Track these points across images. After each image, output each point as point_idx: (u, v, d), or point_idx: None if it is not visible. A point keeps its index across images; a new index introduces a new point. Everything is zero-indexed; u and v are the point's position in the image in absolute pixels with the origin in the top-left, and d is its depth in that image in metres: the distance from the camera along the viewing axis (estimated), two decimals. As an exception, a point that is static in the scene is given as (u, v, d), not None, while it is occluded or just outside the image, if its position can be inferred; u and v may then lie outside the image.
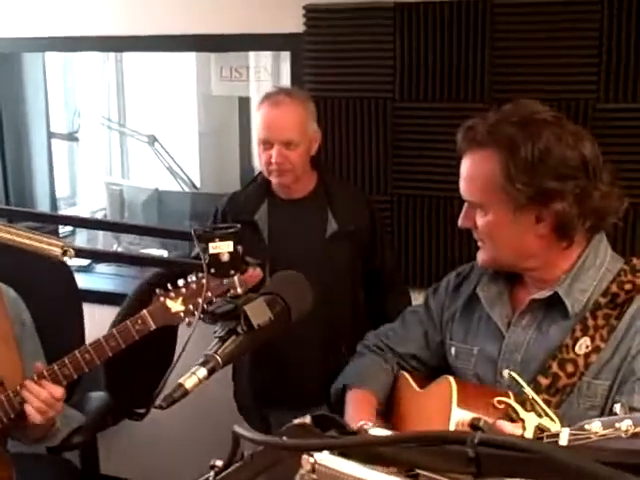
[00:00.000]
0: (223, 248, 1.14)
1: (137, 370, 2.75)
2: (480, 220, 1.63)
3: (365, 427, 0.67)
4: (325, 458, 0.57)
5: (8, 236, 1.07)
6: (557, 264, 1.63)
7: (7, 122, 3.57)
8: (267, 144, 2.43)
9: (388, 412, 1.84)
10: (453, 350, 1.79)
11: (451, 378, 1.62)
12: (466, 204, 1.66)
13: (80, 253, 1.07)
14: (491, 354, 1.69)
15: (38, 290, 2.45)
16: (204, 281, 1.90)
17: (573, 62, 2.59)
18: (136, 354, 2.50)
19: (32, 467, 2.37)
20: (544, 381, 1.56)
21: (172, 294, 1.97)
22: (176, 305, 1.97)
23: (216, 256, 1.14)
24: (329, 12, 2.82)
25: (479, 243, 1.69)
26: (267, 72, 3.66)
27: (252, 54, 3.76)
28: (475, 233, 1.67)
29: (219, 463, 0.70)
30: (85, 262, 3.71)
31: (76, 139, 4.29)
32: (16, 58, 3.60)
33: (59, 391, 2.02)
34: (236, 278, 1.16)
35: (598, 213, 1.57)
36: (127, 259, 1.24)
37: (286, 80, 3.53)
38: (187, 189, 4.16)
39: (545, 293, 1.63)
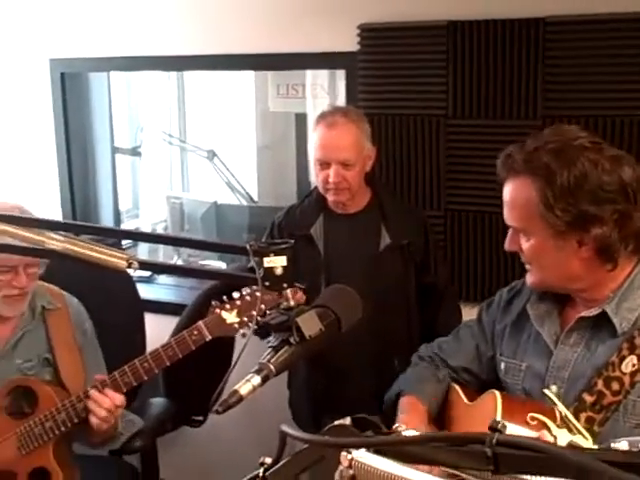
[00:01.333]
0: (277, 262, 1.20)
1: (195, 378, 2.83)
2: (524, 244, 1.66)
3: (399, 429, 0.72)
4: (362, 455, 0.63)
5: (76, 249, 1.15)
6: (605, 284, 1.64)
7: (74, 138, 3.70)
8: (324, 164, 2.49)
9: (440, 422, 1.87)
10: (503, 365, 1.82)
11: (497, 392, 1.66)
12: (510, 229, 1.70)
13: (143, 265, 1.14)
14: (539, 370, 1.72)
15: (102, 299, 2.56)
16: (258, 294, 1.98)
17: (626, 79, 2.60)
18: (194, 362, 2.58)
19: (95, 469, 2.45)
20: (589, 398, 1.58)
21: (227, 306, 2.04)
22: (231, 317, 2.04)
23: (270, 270, 1.20)
24: (383, 31, 2.88)
25: (526, 266, 1.72)
26: (323, 89, 3.74)
27: (309, 72, 3.85)
28: (521, 256, 1.71)
29: (268, 460, 0.76)
30: (147, 273, 3.83)
31: (139, 154, 4.42)
32: (83, 77, 3.74)
33: (120, 399, 2.12)
34: (289, 291, 1.22)
35: None
36: (186, 272, 1.32)
37: (342, 97, 3.61)
38: (245, 202, 4.25)
39: (593, 311, 1.64)
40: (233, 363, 1.17)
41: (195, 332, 2.07)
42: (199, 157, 4.37)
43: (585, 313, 1.66)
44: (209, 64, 3.40)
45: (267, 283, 1.21)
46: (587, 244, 1.58)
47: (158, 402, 2.67)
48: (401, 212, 2.67)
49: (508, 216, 1.68)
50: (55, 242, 1.15)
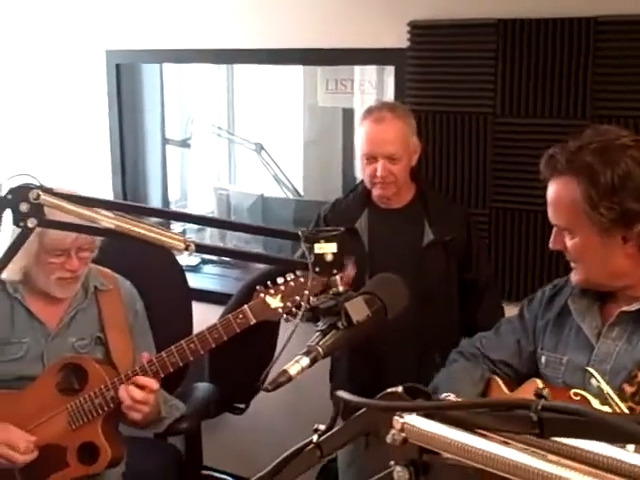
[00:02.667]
0: (327, 249, 1.24)
1: (239, 366, 2.89)
2: (569, 243, 1.69)
3: (448, 398, 0.76)
4: (413, 419, 0.67)
5: (137, 229, 1.20)
6: None
7: (126, 129, 3.79)
8: (371, 158, 2.54)
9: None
10: (543, 359, 1.85)
11: (538, 380, 1.68)
12: (555, 228, 1.72)
13: (200, 248, 1.19)
14: (580, 364, 1.74)
15: (151, 286, 2.63)
16: (302, 279, 2.03)
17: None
18: (238, 350, 2.64)
19: (140, 450, 2.51)
20: (629, 389, 1.61)
21: (272, 291, 2.08)
22: (275, 301, 2.08)
23: (321, 256, 1.25)
24: (433, 28, 2.90)
25: (571, 264, 1.75)
26: (371, 85, 3.77)
27: (357, 68, 3.89)
28: (566, 255, 1.73)
29: (321, 427, 0.81)
30: (194, 262, 3.91)
31: (188, 145, 4.50)
32: (136, 69, 3.83)
33: (154, 384, 2.17)
34: (338, 277, 1.27)
35: None
36: (239, 255, 1.37)
37: (389, 93, 3.64)
38: (291, 196, 4.30)
39: (635, 306, 1.67)
40: (283, 345, 1.21)
41: (240, 316, 2.12)
42: (247, 150, 4.43)
43: (626, 308, 1.68)
44: (260, 58, 3.45)
45: (317, 269, 1.25)
46: (632, 240, 1.61)
47: (203, 386, 2.74)
48: (445, 208, 2.70)
49: (552, 215, 1.70)
50: (114, 222, 1.20)
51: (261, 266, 3.98)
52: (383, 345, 2.45)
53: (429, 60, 2.93)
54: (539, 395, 0.60)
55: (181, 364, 2.20)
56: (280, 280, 2.07)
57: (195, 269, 3.86)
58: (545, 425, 0.59)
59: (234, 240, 4.06)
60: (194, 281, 3.57)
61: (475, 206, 2.94)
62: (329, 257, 1.26)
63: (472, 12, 2.82)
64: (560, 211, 1.68)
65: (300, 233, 1.25)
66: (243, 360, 2.90)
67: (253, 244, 3.97)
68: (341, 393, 0.77)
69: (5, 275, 2.20)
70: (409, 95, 2.95)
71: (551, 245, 1.75)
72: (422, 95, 2.95)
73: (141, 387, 2.16)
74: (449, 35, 2.88)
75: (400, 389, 0.70)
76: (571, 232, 1.67)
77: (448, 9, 2.86)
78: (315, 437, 0.81)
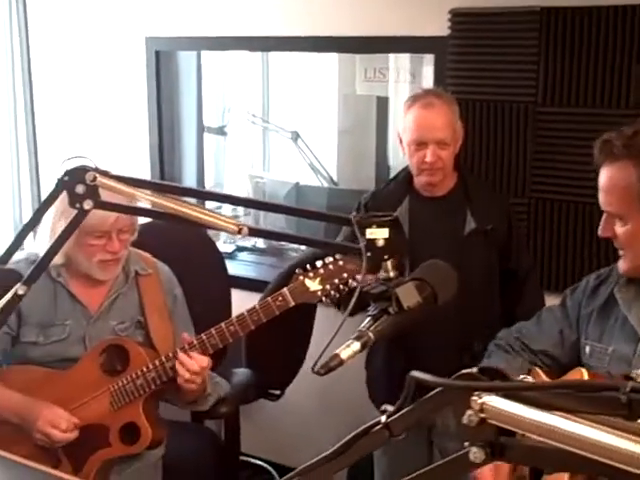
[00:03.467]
0: (379, 234, 1.25)
1: (276, 352, 2.91)
2: (619, 230, 1.67)
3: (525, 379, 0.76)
4: (493, 399, 0.67)
5: (192, 212, 1.21)
6: None
7: (165, 116, 3.80)
8: (421, 144, 2.52)
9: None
10: (587, 349, 1.83)
11: (583, 370, 1.68)
12: (605, 214, 1.71)
13: (253, 232, 1.20)
14: (626, 354, 1.73)
15: (192, 273, 2.65)
16: (341, 263, 2.04)
17: None
18: (275, 336, 2.66)
19: (177, 433, 2.55)
20: None
21: (311, 274, 2.09)
22: (314, 284, 2.09)
23: (372, 241, 1.25)
24: (475, 16, 2.88)
25: (620, 252, 1.73)
26: (409, 74, 3.76)
27: (392, 56, 3.88)
28: (615, 242, 1.72)
29: (389, 408, 0.81)
30: (229, 249, 3.93)
31: (224, 133, 4.52)
32: (175, 56, 3.84)
33: (205, 360, 2.21)
34: (389, 263, 1.27)
35: None
36: (291, 239, 1.38)
37: (426, 82, 3.63)
38: (326, 184, 4.30)
39: None
40: (336, 330, 1.21)
41: (279, 298, 2.13)
42: (282, 138, 4.44)
43: None
44: (298, 46, 3.45)
45: (369, 254, 1.25)
46: None
47: (241, 372, 2.76)
48: (486, 197, 2.69)
49: (604, 201, 1.69)
50: (169, 204, 1.21)
51: (295, 254, 4.03)
52: (421, 333, 2.44)
53: (470, 48, 2.91)
54: (628, 377, 0.61)
55: (221, 346, 2.23)
56: (319, 263, 2.08)
57: (230, 256, 3.88)
58: (634, 407, 0.59)
59: (268, 226, 4.08)
60: (229, 268, 3.59)
61: (514, 195, 2.92)
62: (380, 242, 1.27)
63: (515, 0, 2.79)
64: (613, 196, 1.66)
65: (352, 218, 1.25)
66: (279, 347, 2.92)
67: (287, 230, 3.99)
68: (415, 373, 0.77)
69: None
70: (449, 84, 2.93)
71: (600, 232, 1.74)
72: (463, 84, 2.93)
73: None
74: (491, 23, 2.86)
75: (475, 370, 0.71)
76: (623, 218, 1.66)
77: (490, -3, 2.84)
78: (383, 418, 0.81)
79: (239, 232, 1.23)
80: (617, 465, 0.59)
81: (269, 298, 2.15)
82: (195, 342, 2.21)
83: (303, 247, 3.95)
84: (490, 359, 2.00)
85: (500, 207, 2.69)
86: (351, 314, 2.88)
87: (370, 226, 1.25)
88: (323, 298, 2.12)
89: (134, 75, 3.74)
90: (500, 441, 0.69)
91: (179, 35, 3.62)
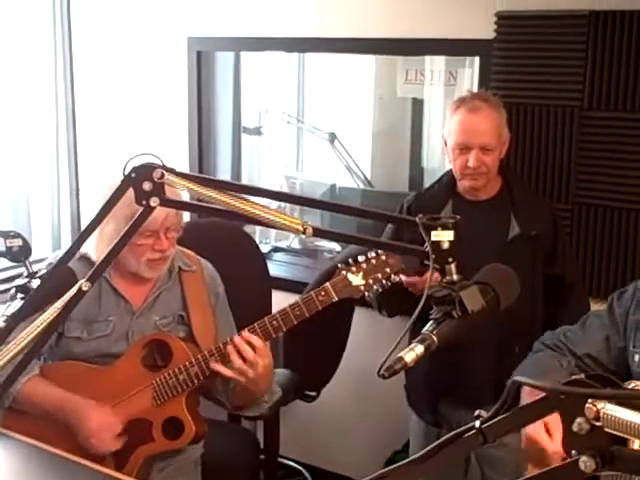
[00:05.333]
0: (444, 237, 1.24)
1: (313, 353, 2.91)
2: None
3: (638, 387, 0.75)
4: (611, 406, 0.66)
5: (256, 212, 1.21)
6: None
7: (205, 115, 3.83)
8: (465, 148, 2.50)
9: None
10: (637, 357, 1.80)
11: (637, 382, 1.64)
12: None
13: (317, 232, 1.19)
14: None
15: (235, 272, 2.65)
16: (383, 257, 2.02)
17: None
18: (313, 337, 2.65)
19: (215, 432, 2.54)
20: None
21: (353, 268, 2.08)
22: (357, 279, 2.07)
23: (437, 244, 1.24)
24: (521, 19, 2.86)
25: None
26: (452, 76, 3.74)
27: (428, 58, 3.86)
28: None
29: (483, 413, 0.80)
30: (265, 250, 3.94)
31: (261, 133, 4.53)
32: (215, 56, 3.86)
33: (261, 342, 2.15)
34: (453, 266, 1.26)
35: None
36: (354, 240, 1.37)
37: (467, 84, 3.61)
38: (362, 186, 4.29)
39: None
40: (404, 330, 1.20)
41: (322, 293, 2.11)
42: (318, 139, 4.44)
43: None
44: (339, 47, 3.44)
45: (433, 256, 1.25)
46: None
47: (281, 372, 2.75)
48: (531, 202, 2.66)
49: None
50: (234, 203, 1.21)
51: (330, 255, 4.03)
52: (462, 338, 2.42)
53: (516, 52, 2.90)
54: None
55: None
56: (361, 258, 2.07)
57: (267, 257, 3.88)
58: None
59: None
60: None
61: (558, 201, 2.90)
62: (445, 245, 1.26)
63: (562, 3, 2.77)
64: None
65: (418, 220, 1.25)
66: (317, 348, 2.92)
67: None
68: (520, 378, 0.76)
69: (95, 256, 2.24)
70: (494, 87, 2.91)
71: None
72: (508, 87, 2.92)
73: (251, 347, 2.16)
74: (537, 27, 2.84)
75: (583, 376, 0.70)
76: None
77: (536, 0, 2.81)
78: (477, 423, 0.80)
79: (304, 232, 1.22)
80: None
81: (312, 292, 2.14)
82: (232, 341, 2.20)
83: (338, 248, 3.98)
84: (538, 355, 1.97)
85: (545, 213, 2.66)
86: (392, 314, 2.86)
87: (435, 228, 1.24)
88: (366, 293, 2.11)
89: (176, 75, 3.76)
90: (612, 450, 0.68)
91: (219, 35, 3.64)
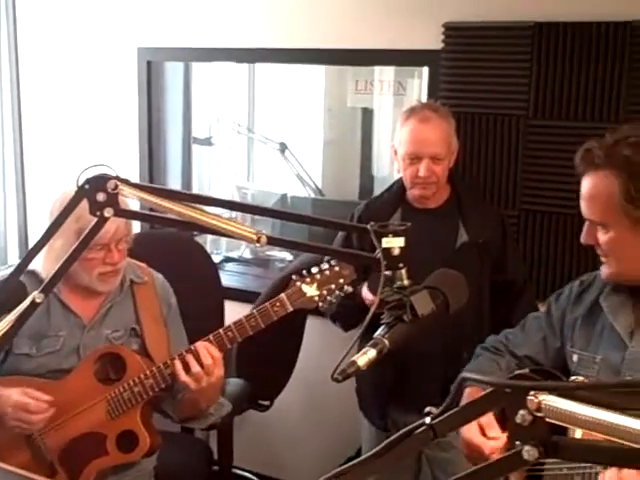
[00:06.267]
0: (395, 243, 1.27)
1: (266, 362, 2.91)
2: (602, 237, 1.69)
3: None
4: (550, 398, 0.70)
5: (210, 221, 1.22)
6: None
7: (155, 126, 3.81)
8: (415, 158, 2.54)
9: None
10: (575, 357, 1.85)
11: (581, 378, 1.70)
12: (587, 222, 1.73)
13: (271, 241, 1.21)
14: (614, 363, 1.74)
15: (186, 283, 2.64)
16: (337, 268, 2.05)
17: None
18: (266, 347, 2.66)
19: (168, 444, 2.53)
20: None
21: (307, 279, 2.10)
22: (311, 290, 2.09)
23: (388, 250, 1.27)
24: (468, 30, 2.92)
25: (602, 259, 1.75)
26: (399, 86, 3.80)
27: (377, 69, 3.91)
28: (597, 249, 1.74)
29: (434, 410, 0.83)
30: (217, 260, 3.93)
31: (212, 144, 4.53)
32: (165, 67, 3.85)
33: (218, 352, 2.17)
34: (403, 271, 1.29)
35: None
36: (308, 248, 1.39)
37: (416, 94, 3.67)
38: (313, 195, 4.32)
39: None
40: (357, 335, 1.23)
41: (277, 304, 2.13)
42: (268, 149, 4.46)
43: None
44: (288, 58, 3.47)
45: (385, 263, 1.27)
46: None
47: (235, 382, 2.76)
48: (479, 210, 2.71)
49: (587, 209, 1.71)
50: (189, 212, 1.22)
51: (282, 265, 4.05)
52: (410, 344, 2.45)
53: (463, 62, 2.95)
54: None
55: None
56: (315, 269, 2.10)
57: (218, 267, 3.87)
58: None
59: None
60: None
61: (505, 207, 2.96)
62: (396, 251, 1.29)
63: (507, 15, 2.84)
64: (596, 205, 1.68)
65: (369, 227, 1.27)
66: (270, 357, 2.93)
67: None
68: (468, 374, 0.79)
69: (44, 272, 2.21)
70: (442, 96, 2.97)
71: (583, 239, 1.76)
72: (456, 97, 2.97)
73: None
74: (483, 37, 2.90)
75: (527, 371, 0.73)
76: (605, 226, 1.68)
77: (483, 11, 2.88)
78: (428, 419, 0.83)
79: (258, 241, 1.24)
80: None
81: (267, 304, 2.15)
82: (193, 349, 2.21)
83: (290, 258, 4.00)
84: (478, 360, 2.02)
85: (493, 220, 2.71)
86: (348, 328, 2.88)
87: (386, 235, 1.26)
88: (320, 303, 2.13)
89: (126, 85, 3.74)
90: (553, 440, 0.71)
91: (169, 46, 3.63)
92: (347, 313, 2.59)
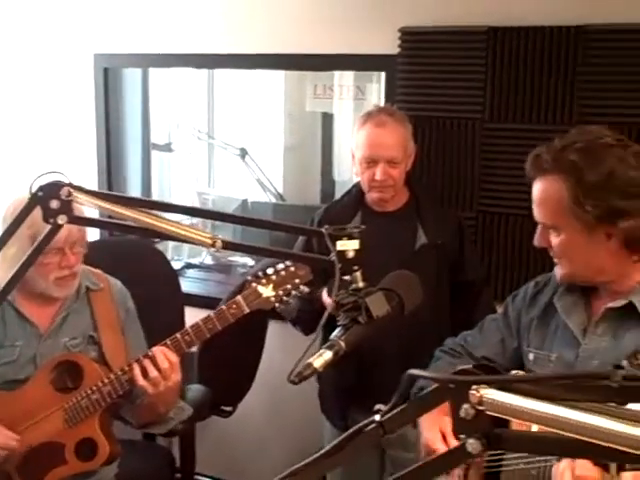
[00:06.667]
0: (349, 246, 1.28)
1: (227, 367, 2.91)
2: (554, 240, 1.73)
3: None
4: (491, 392, 0.72)
5: (166, 227, 1.22)
6: (630, 276, 1.72)
7: (113, 132, 3.79)
8: (372, 162, 2.57)
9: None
10: (531, 356, 1.88)
11: (518, 371, 1.73)
12: (540, 225, 1.77)
13: (227, 245, 1.21)
14: (569, 360, 1.78)
15: (145, 289, 2.63)
16: (292, 268, 2.05)
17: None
18: (227, 352, 2.66)
19: (130, 452, 2.51)
20: None
21: (263, 280, 2.10)
22: (267, 291, 2.10)
23: (343, 253, 1.28)
24: (423, 34, 2.95)
25: (555, 260, 1.79)
26: (358, 90, 3.82)
27: (337, 73, 3.93)
28: (550, 252, 1.78)
29: (383, 407, 0.84)
30: (178, 266, 3.92)
31: (172, 150, 4.51)
32: (123, 73, 3.83)
33: (175, 357, 2.18)
34: (359, 274, 1.30)
35: None
36: (264, 252, 1.39)
37: (373, 98, 3.69)
38: (274, 200, 4.33)
39: (620, 302, 1.71)
40: (314, 339, 1.23)
41: (234, 305, 2.14)
42: (228, 154, 4.45)
43: (612, 304, 1.72)
44: (247, 63, 3.47)
45: (340, 265, 1.28)
46: (615, 236, 1.65)
47: (196, 388, 2.75)
48: (437, 212, 2.74)
49: (538, 213, 1.74)
50: (144, 218, 1.22)
51: (243, 270, 4.04)
52: (371, 346, 2.47)
53: (419, 66, 2.99)
54: (618, 366, 0.65)
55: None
56: (270, 270, 2.10)
57: (179, 273, 3.86)
58: (625, 393, 0.64)
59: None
60: (179, 285, 3.57)
61: (463, 209, 3.00)
62: (350, 254, 1.30)
63: (463, 19, 2.88)
64: (546, 209, 1.71)
65: (324, 231, 1.28)
66: (231, 363, 2.93)
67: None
68: (414, 371, 0.81)
69: None
70: (399, 100, 3.00)
71: (536, 242, 1.79)
72: (413, 101, 3.00)
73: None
74: (439, 42, 2.94)
75: (469, 366, 0.75)
76: (556, 229, 1.71)
77: (438, 16, 2.91)
78: (377, 416, 0.84)
79: (213, 245, 1.24)
80: (606, 445, 0.65)
81: (223, 306, 2.16)
82: (150, 354, 2.20)
83: (251, 263, 4.00)
84: (437, 363, 2.05)
85: (452, 222, 2.75)
86: (308, 332, 2.90)
87: (341, 238, 1.28)
88: (276, 304, 2.14)
89: (82, 92, 3.71)
90: (496, 432, 0.73)
91: (127, 52, 3.61)
92: (307, 318, 2.61)
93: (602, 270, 1.72)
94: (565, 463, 1.43)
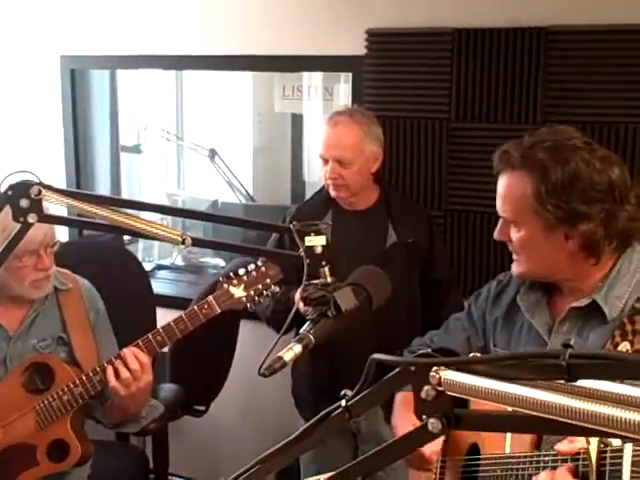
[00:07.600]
0: (317, 242, 1.30)
1: (199, 367, 2.92)
2: (514, 235, 1.75)
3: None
4: (450, 373, 0.75)
5: (137, 224, 1.24)
6: (591, 275, 1.72)
7: (81, 134, 3.78)
8: (324, 160, 2.63)
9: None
10: None
11: (476, 353, 1.75)
12: (501, 219, 1.80)
13: (196, 242, 1.23)
14: None
15: (116, 290, 2.64)
16: (263, 269, 2.07)
17: (623, 87, 2.72)
18: (199, 352, 2.67)
19: (103, 452, 2.51)
20: None
21: (234, 281, 2.11)
22: (238, 291, 2.11)
23: (311, 248, 1.30)
24: (390, 36, 2.99)
25: (514, 255, 1.81)
26: (327, 92, 3.85)
27: (306, 74, 3.96)
28: (510, 246, 1.81)
29: (349, 392, 0.87)
30: (149, 267, 3.92)
31: (140, 151, 4.50)
32: (90, 74, 3.82)
33: (146, 357, 2.19)
34: (327, 269, 1.32)
35: (624, 234, 1.67)
36: (234, 249, 1.42)
37: (341, 99, 3.73)
38: (244, 201, 4.34)
39: (584, 301, 1.72)
40: (280, 333, 1.26)
41: (205, 306, 2.15)
42: (198, 155, 4.46)
43: (576, 304, 1.73)
44: (215, 64, 3.49)
45: (307, 261, 1.31)
46: (573, 238, 1.66)
47: (168, 387, 2.75)
48: (407, 211, 2.78)
49: (501, 207, 1.77)
50: (114, 217, 1.24)
51: (215, 271, 4.05)
52: (343, 343, 2.50)
53: (386, 67, 3.02)
54: (566, 345, 0.68)
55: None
56: (242, 271, 2.12)
57: (150, 274, 3.86)
58: (573, 370, 0.68)
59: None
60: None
61: (430, 208, 3.03)
62: (318, 249, 1.32)
63: (429, 21, 2.92)
64: (509, 204, 1.74)
65: (292, 227, 1.30)
66: (203, 362, 2.94)
67: (206, 250, 3.99)
68: (377, 356, 0.84)
69: None
70: (366, 101, 3.03)
71: (496, 235, 1.81)
72: (379, 101, 3.04)
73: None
74: (406, 43, 2.98)
75: (429, 350, 0.78)
76: (517, 225, 1.73)
77: (405, 18, 2.95)
78: (343, 401, 0.87)
79: (183, 242, 1.26)
80: (557, 419, 0.69)
81: (195, 306, 2.17)
82: (121, 355, 2.20)
83: (223, 264, 4.01)
84: None
85: (422, 220, 2.79)
86: (286, 331, 2.93)
87: (309, 234, 1.30)
88: (248, 304, 2.15)
89: (49, 94, 3.70)
90: (455, 412, 0.77)
91: (94, 54, 3.61)
92: (280, 317, 2.62)
93: (558, 269, 1.73)
94: (544, 475, 1.45)
